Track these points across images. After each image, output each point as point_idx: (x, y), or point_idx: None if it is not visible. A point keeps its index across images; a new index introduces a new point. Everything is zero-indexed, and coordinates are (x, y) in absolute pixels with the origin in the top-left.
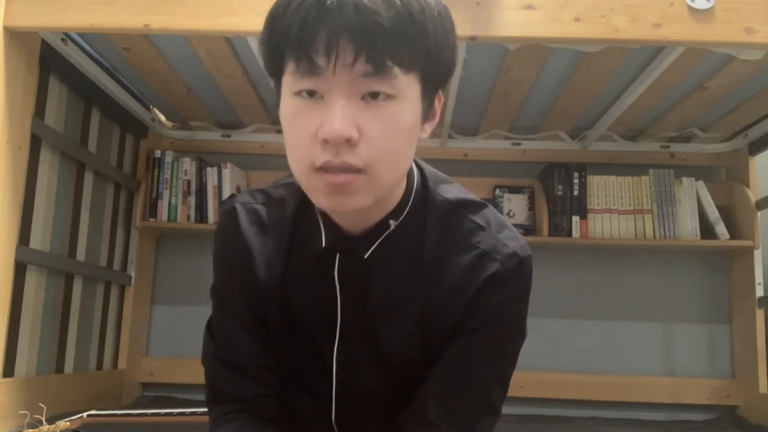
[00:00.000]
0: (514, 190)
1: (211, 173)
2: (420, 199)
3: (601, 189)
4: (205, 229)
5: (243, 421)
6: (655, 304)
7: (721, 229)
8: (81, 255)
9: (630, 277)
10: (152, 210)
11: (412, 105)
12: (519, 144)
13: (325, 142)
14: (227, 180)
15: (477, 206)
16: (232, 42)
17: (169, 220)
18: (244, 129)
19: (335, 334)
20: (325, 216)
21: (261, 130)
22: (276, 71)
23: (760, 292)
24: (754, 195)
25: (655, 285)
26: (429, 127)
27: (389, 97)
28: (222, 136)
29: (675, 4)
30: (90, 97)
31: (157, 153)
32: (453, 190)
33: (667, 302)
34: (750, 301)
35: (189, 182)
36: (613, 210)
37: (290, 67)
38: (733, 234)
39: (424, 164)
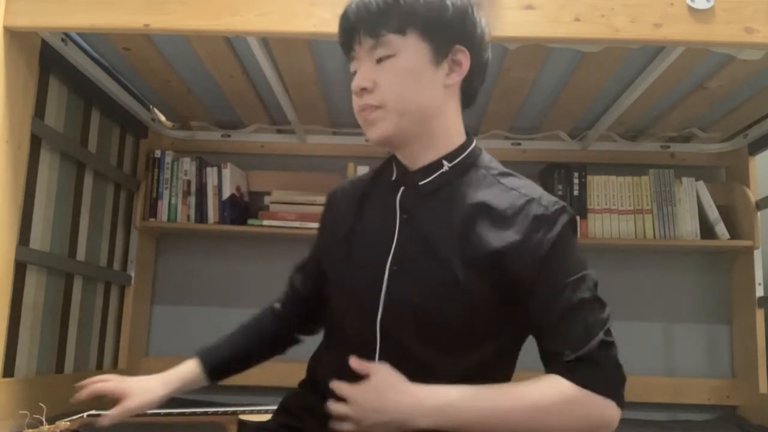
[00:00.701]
0: None
1: (211, 173)
2: (475, 158)
3: (601, 189)
4: (205, 229)
5: (266, 311)
6: (655, 304)
7: (721, 229)
8: (81, 255)
9: (630, 277)
10: (152, 210)
11: (413, 56)
12: (519, 144)
13: (355, 94)
14: (227, 180)
15: (522, 177)
16: (232, 42)
17: (169, 220)
18: (244, 129)
19: (391, 247)
20: (398, 161)
21: (261, 130)
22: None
23: (760, 292)
24: (754, 195)
25: (655, 285)
26: (457, 76)
27: (391, 56)
28: (222, 136)
29: (675, 4)
30: (90, 97)
31: (157, 153)
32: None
33: (667, 302)
34: (750, 301)
35: (189, 182)
36: (613, 210)
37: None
38: (733, 234)
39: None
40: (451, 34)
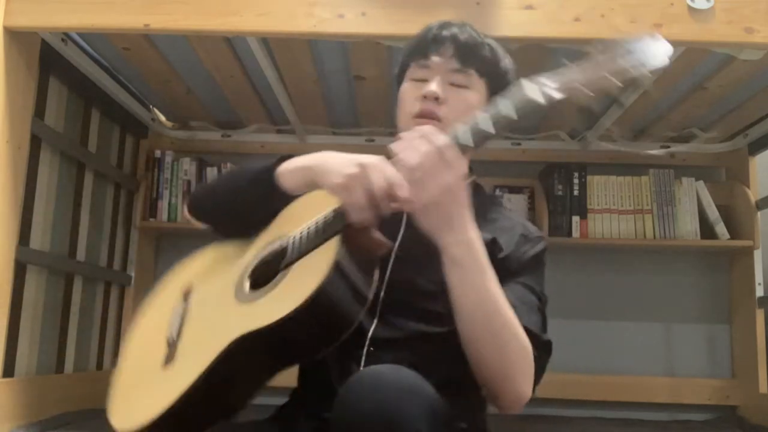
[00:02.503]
0: (514, 190)
1: (211, 173)
2: (476, 184)
3: (601, 189)
4: (205, 230)
5: None
6: (655, 304)
7: (721, 229)
8: (81, 255)
9: (630, 277)
10: (152, 210)
11: (478, 97)
12: (519, 144)
13: (424, 98)
14: None
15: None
16: (232, 42)
17: (169, 220)
18: (244, 129)
19: (398, 237)
20: None
21: (261, 130)
22: (404, 70)
23: (760, 292)
24: (754, 195)
25: (655, 285)
26: None
27: (466, 87)
28: (222, 136)
29: (675, 4)
30: (90, 97)
31: (157, 153)
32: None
33: (667, 302)
34: (750, 301)
35: (189, 182)
36: (613, 210)
37: (413, 65)
38: (733, 234)
39: None
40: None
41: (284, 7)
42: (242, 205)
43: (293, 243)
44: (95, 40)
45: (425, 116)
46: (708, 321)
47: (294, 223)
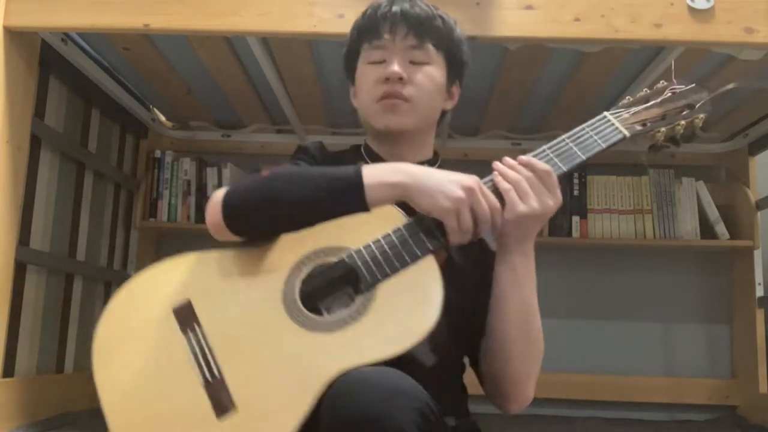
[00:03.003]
0: None
1: (211, 173)
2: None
3: (601, 189)
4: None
5: None
6: (655, 304)
7: (721, 229)
8: (81, 255)
9: (630, 277)
10: (152, 210)
11: (439, 71)
12: (519, 144)
13: (386, 80)
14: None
15: None
16: (232, 42)
17: (169, 220)
18: (244, 129)
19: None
20: (373, 154)
21: (261, 130)
22: (355, 53)
23: (760, 292)
24: (754, 195)
25: (655, 285)
26: (450, 104)
27: (426, 63)
28: (222, 136)
29: (675, 4)
30: (90, 97)
31: (157, 153)
32: None
33: (667, 302)
34: (750, 301)
35: (189, 182)
36: (613, 210)
37: (366, 46)
38: (733, 234)
39: None
40: (459, 69)
41: (284, 7)
42: (309, 217)
43: (365, 262)
44: (95, 40)
45: (391, 97)
46: (708, 321)
47: (339, 235)
